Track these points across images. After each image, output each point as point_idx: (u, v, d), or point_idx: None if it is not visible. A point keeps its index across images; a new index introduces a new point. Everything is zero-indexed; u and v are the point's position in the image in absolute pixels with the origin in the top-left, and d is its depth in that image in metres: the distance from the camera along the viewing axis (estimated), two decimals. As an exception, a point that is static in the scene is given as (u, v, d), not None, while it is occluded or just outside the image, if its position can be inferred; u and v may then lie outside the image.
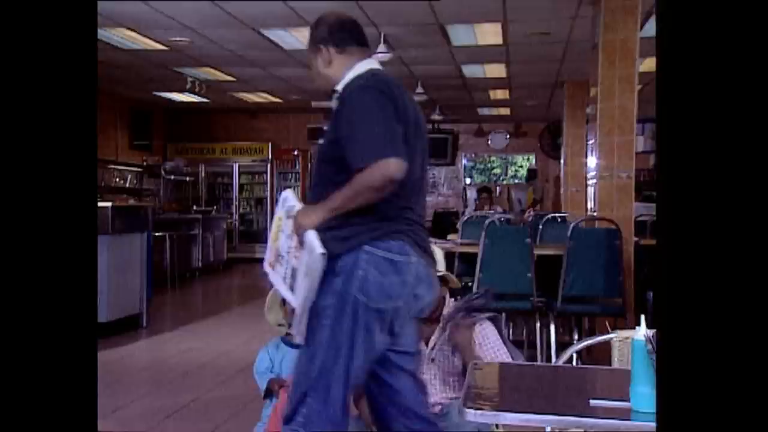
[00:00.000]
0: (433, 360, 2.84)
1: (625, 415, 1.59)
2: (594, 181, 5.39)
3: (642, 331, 1.64)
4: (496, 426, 2.71)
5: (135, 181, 11.01)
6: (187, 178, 12.08)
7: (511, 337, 5.51)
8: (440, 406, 2.80)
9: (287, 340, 2.96)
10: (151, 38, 7.36)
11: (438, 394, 2.82)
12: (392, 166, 1.96)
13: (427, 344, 2.83)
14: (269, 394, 2.88)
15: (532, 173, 13.16)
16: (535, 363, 4.15)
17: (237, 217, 12.89)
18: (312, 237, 2.03)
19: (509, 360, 2.70)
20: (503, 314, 5.34)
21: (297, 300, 2.10)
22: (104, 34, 7.05)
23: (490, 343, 2.77)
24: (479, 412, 1.63)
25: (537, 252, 4.67)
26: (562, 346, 4.44)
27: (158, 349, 5.43)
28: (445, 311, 2.84)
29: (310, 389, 2.06)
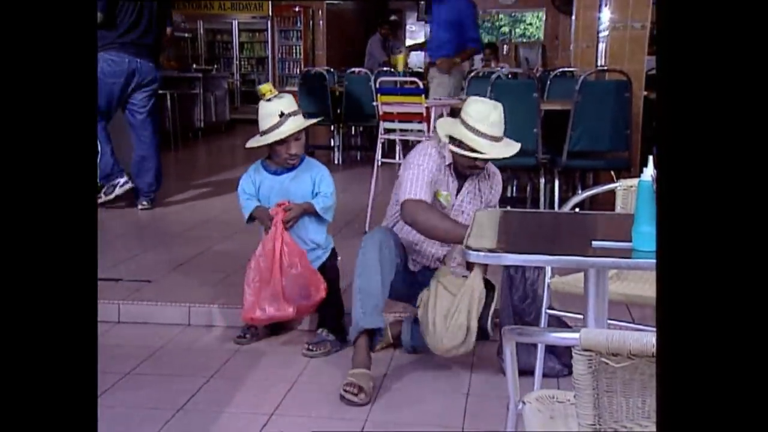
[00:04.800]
0: (462, 212, 2.73)
1: (626, 254, 1.59)
2: (606, 34, 5.19)
3: (649, 172, 1.61)
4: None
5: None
6: (186, 35, 11.72)
7: (514, 194, 5.55)
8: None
9: (266, 164, 2.92)
10: None
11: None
12: None
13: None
14: (252, 219, 2.88)
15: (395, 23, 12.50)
16: (538, 210, 4.18)
17: (239, 77, 12.65)
18: None
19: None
20: (507, 171, 5.36)
21: None
22: None
23: None
24: (481, 253, 1.64)
25: (544, 107, 4.58)
26: (565, 203, 4.45)
27: (163, 205, 5.49)
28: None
29: None
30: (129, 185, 5.12)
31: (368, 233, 2.67)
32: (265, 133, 2.77)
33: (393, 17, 12.10)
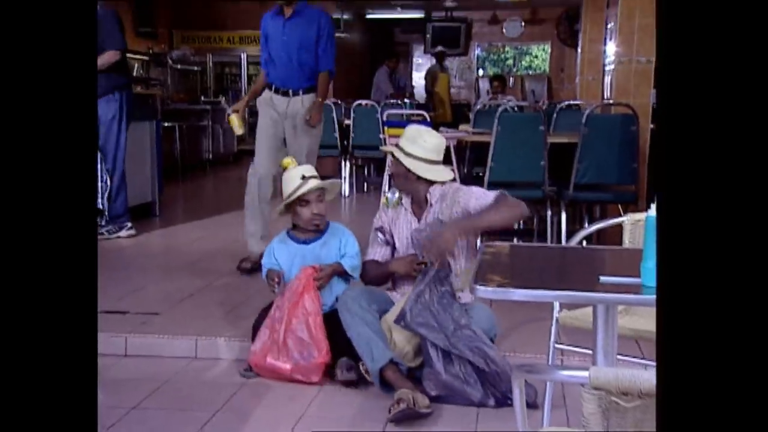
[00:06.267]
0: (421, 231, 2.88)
1: (634, 290, 1.59)
2: (611, 67, 5.24)
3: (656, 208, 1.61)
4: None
5: (141, 71, 10.81)
6: (195, 68, 11.85)
7: (521, 227, 5.54)
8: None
9: (292, 234, 3.08)
10: None
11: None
12: None
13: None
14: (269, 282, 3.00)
15: (441, 55, 12.18)
16: (546, 244, 4.18)
17: (246, 110, 12.72)
18: None
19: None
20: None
21: None
22: None
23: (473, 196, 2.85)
24: (489, 288, 1.64)
25: (550, 140, 4.60)
26: (572, 235, 4.44)
27: (171, 237, 5.51)
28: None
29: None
30: (134, 231, 5.29)
31: (339, 301, 2.85)
32: (289, 196, 2.96)
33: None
